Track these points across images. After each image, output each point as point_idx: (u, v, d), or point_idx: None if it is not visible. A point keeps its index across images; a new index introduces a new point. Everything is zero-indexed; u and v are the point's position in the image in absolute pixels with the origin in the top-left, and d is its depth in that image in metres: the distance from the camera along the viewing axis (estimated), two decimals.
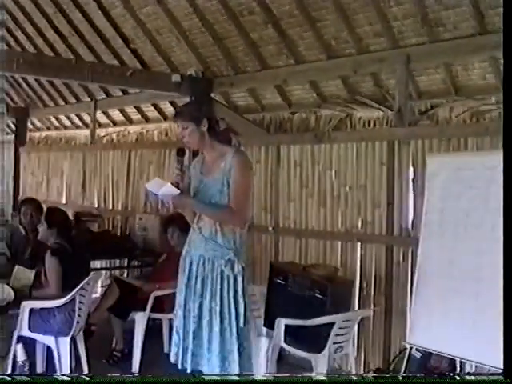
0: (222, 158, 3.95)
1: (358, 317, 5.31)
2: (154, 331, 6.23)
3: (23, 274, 5.43)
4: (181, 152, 4.05)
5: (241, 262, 3.89)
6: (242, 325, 3.86)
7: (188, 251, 4.05)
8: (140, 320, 5.92)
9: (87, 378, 3.27)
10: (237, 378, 4.02)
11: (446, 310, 4.56)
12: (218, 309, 3.87)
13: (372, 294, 5.67)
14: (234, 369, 3.86)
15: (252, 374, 4.07)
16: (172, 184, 3.92)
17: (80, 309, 5.28)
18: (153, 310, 5.96)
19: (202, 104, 4.34)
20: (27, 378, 3.82)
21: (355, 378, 4.82)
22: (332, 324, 4.80)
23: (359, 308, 5.70)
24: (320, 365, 4.85)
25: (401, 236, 5.50)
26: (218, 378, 4.08)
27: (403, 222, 5.48)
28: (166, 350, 6.29)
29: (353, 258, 5.82)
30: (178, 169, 4.01)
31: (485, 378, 4.30)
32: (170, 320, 6.19)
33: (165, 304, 5.98)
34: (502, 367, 4.14)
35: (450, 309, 4.53)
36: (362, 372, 5.56)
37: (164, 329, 6.35)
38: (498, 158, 4.45)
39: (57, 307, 5.17)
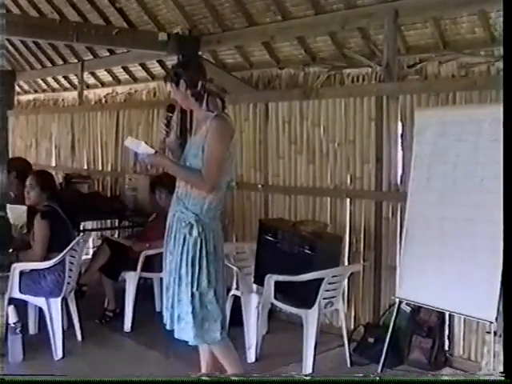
0: (204, 121, 3.96)
1: (348, 272, 5.33)
2: (145, 290, 6.26)
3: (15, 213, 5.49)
4: (170, 108, 4.09)
5: (199, 227, 3.90)
6: (196, 289, 3.90)
7: (170, 209, 4.12)
8: (131, 279, 5.95)
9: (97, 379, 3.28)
10: (237, 378, 4.05)
11: (434, 264, 4.58)
12: (178, 269, 3.94)
13: (361, 249, 5.68)
14: (189, 331, 3.93)
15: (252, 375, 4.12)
16: (163, 139, 4.04)
17: (70, 270, 5.31)
18: (144, 270, 6.00)
19: (182, 65, 4.32)
20: (28, 378, 3.83)
21: (357, 378, 4.85)
22: (321, 279, 4.81)
23: (349, 263, 5.73)
24: (310, 320, 4.87)
25: (390, 191, 5.50)
26: (219, 378, 4.13)
27: (392, 178, 5.47)
28: (157, 308, 6.33)
29: (342, 214, 5.82)
30: (165, 124, 4.07)
31: (485, 378, 4.35)
32: (161, 279, 6.21)
33: (155, 263, 5.98)
34: (490, 320, 4.21)
35: (439, 262, 4.55)
36: (352, 327, 5.60)
37: (155, 288, 6.38)
38: (486, 112, 4.48)
39: (47, 269, 5.19)
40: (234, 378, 4.04)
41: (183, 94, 3.99)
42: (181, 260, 3.92)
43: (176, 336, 4.02)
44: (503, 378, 3.16)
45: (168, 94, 8.02)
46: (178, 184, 4.06)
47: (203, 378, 4.13)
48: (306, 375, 4.74)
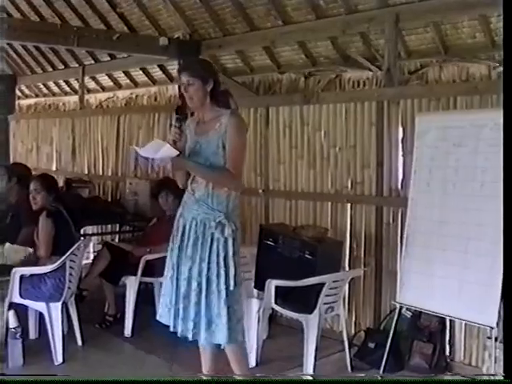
0: (216, 119, 3.94)
1: (348, 277, 5.32)
2: (145, 295, 6.24)
3: (15, 252, 5.46)
4: (180, 110, 3.98)
5: (231, 225, 3.88)
6: (231, 287, 3.86)
7: (181, 213, 4.05)
8: (131, 284, 5.94)
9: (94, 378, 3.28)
10: (237, 379, 4.04)
11: (435, 269, 4.58)
12: (206, 272, 3.88)
13: (362, 254, 5.68)
14: (223, 332, 3.87)
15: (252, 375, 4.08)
16: (170, 143, 3.88)
17: (71, 274, 5.30)
18: (144, 274, 5.98)
19: (210, 63, 4.32)
20: (28, 378, 3.83)
21: (360, 378, 4.88)
22: (322, 285, 4.81)
23: (349, 268, 5.72)
24: (311, 325, 4.86)
25: (390, 196, 5.49)
26: (219, 379, 4.11)
27: (393, 183, 5.47)
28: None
29: (343, 219, 5.81)
30: (177, 127, 3.94)
31: (485, 378, 4.35)
32: (162, 284, 6.22)
33: (156, 268, 5.98)
34: (491, 325, 4.20)
35: (439, 267, 4.55)
36: (352, 332, 5.59)
37: (156, 292, 6.35)
38: (486, 117, 4.48)
39: (47, 273, 5.18)
40: (235, 379, 4.04)
41: (205, 93, 3.94)
42: (209, 262, 3.87)
43: (204, 342, 3.96)
44: (503, 378, 3.16)
45: (169, 98, 8.06)
46: (192, 187, 4.00)
47: (203, 378, 4.13)
48: (308, 375, 4.75)
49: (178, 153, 3.82)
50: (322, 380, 5.06)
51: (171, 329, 4.04)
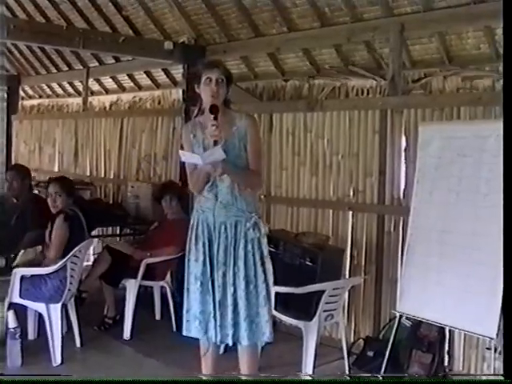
0: (231, 122, 3.94)
1: (349, 285, 5.31)
2: (145, 298, 6.25)
3: (25, 254, 5.55)
4: (215, 109, 3.85)
5: (263, 224, 3.94)
6: (269, 286, 3.91)
7: (203, 220, 3.98)
8: (131, 287, 5.93)
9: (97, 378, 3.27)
10: (236, 379, 4.03)
11: (435, 279, 4.57)
12: (242, 273, 3.86)
13: (363, 262, 5.67)
14: (265, 330, 3.89)
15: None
16: (214, 142, 3.79)
17: (72, 276, 5.29)
18: (144, 278, 5.97)
19: None
20: (29, 378, 3.82)
21: (361, 379, 4.87)
22: (322, 292, 4.80)
23: (350, 276, 5.71)
24: (310, 333, 4.85)
25: (392, 205, 5.49)
26: (219, 378, 4.10)
27: (395, 191, 5.47)
28: (157, 317, 6.35)
29: (344, 227, 5.81)
30: (216, 125, 3.80)
31: (485, 378, 4.34)
32: (162, 287, 6.24)
33: (156, 271, 6.01)
34: (490, 336, 4.19)
35: (440, 277, 4.54)
36: (351, 340, 5.58)
37: (155, 296, 6.37)
38: (490, 127, 4.47)
39: (48, 274, 5.18)
40: (235, 379, 4.03)
41: (226, 94, 3.96)
42: (246, 263, 3.85)
43: (247, 343, 3.91)
44: (503, 378, 3.16)
45: (172, 102, 8.07)
46: (214, 192, 3.94)
47: (203, 378, 4.13)
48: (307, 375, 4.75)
49: (225, 156, 3.75)
50: (321, 380, 5.05)
51: (214, 340, 3.97)
